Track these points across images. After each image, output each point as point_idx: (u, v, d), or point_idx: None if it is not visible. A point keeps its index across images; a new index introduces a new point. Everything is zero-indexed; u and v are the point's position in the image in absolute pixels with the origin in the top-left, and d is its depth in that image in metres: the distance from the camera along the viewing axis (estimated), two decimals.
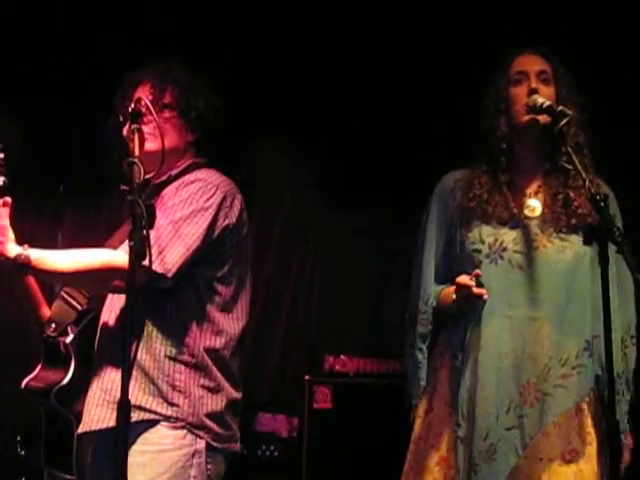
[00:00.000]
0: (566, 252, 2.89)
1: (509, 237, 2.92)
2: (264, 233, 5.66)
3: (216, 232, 2.74)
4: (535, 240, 2.90)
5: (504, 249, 2.91)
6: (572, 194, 2.94)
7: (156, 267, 2.57)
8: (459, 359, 2.95)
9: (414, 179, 4.23)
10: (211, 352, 2.74)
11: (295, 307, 5.75)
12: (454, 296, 2.91)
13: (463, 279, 2.85)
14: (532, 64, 3.00)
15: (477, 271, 2.83)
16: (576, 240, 2.88)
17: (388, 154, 5.36)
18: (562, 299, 2.88)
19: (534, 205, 2.96)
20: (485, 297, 2.82)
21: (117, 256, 2.60)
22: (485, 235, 2.95)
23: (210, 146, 2.92)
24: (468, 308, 2.92)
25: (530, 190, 3.00)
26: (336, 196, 5.58)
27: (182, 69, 2.91)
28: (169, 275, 2.63)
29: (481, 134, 3.04)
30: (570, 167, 2.86)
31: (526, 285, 2.89)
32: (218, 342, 2.76)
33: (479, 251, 2.94)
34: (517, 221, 2.94)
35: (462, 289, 2.85)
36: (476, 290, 2.81)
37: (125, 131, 2.74)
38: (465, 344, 2.94)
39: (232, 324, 2.80)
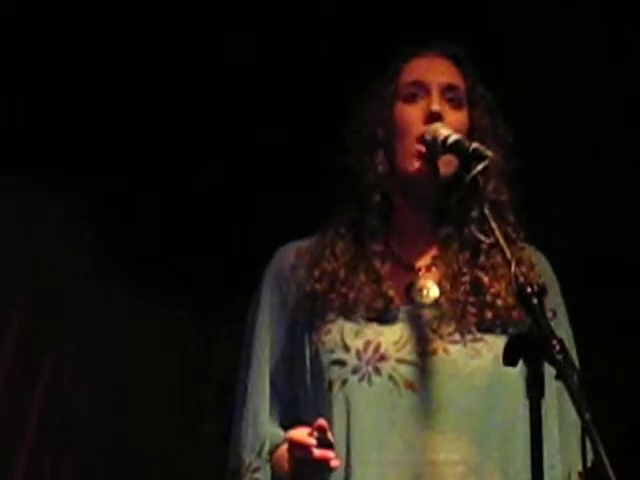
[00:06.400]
0: (482, 356, 2.26)
1: (388, 338, 2.29)
2: None
3: None
4: (431, 341, 2.30)
5: (381, 358, 2.28)
6: (485, 278, 2.31)
7: None
8: None
9: (235, 247, 3.42)
10: None
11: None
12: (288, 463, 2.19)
13: (297, 434, 2.14)
14: (436, 72, 2.37)
15: (321, 421, 2.10)
16: (495, 340, 2.26)
17: (197, 208, 3.61)
18: (480, 433, 2.24)
19: (428, 286, 2.37)
20: (335, 464, 2.09)
21: None
22: (349, 337, 2.31)
23: None
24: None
25: (421, 264, 2.39)
26: (120, 274, 3.54)
27: None
28: None
29: (343, 179, 2.38)
30: (486, 239, 2.25)
31: (421, 413, 2.26)
32: None
33: (342, 363, 2.29)
34: (398, 312, 2.32)
35: (297, 450, 2.12)
36: (318, 453, 2.07)
37: None
38: None
39: None
